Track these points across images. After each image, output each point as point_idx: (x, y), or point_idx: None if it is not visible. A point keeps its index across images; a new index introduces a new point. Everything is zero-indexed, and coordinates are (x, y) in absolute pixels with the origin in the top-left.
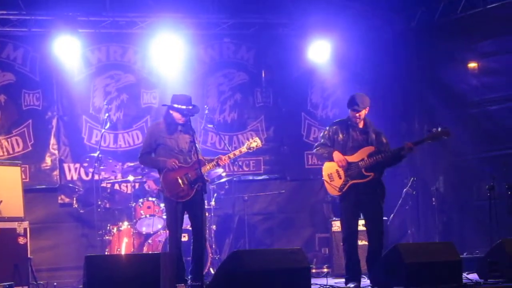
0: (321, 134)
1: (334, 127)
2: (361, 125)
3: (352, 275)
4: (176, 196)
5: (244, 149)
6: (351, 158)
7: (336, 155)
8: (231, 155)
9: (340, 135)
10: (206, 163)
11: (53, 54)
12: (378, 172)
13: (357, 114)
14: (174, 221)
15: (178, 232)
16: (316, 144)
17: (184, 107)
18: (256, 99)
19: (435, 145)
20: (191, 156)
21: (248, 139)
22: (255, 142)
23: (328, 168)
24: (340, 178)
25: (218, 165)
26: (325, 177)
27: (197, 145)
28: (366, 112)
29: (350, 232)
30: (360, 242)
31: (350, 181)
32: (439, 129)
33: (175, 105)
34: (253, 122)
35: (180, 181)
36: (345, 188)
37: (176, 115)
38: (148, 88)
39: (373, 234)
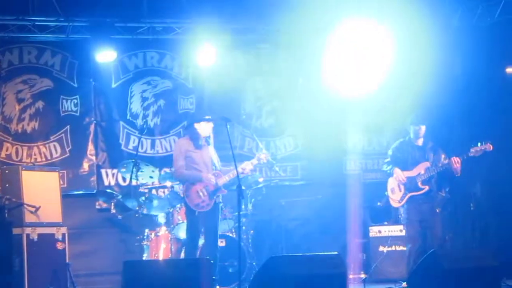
0: (388, 153)
1: (397, 145)
2: (419, 143)
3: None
4: (197, 207)
5: (254, 161)
6: (410, 173)
7: (396, 171)
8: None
9: (402, 153)
10: (222, 175)
11: (91, 60)
12: (435, 185)
13: (419, 129)
14: (195, 230)
15: (196, 240)
16: (384, 161)
17: (209, 116)
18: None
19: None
20: (211, 168)
21: (284, 144)
22: (264, 155)
23: (391, 183)
24: (400, 191)
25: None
26: (388, 191)
27: (215, 156)
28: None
29: (409, 236)
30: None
31: (408, 193)
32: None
33: (205, 117)
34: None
35: (200, 193)
36: (404, 200)
37: (205, 127)
38: (185, 94)
39: (430, 239)
